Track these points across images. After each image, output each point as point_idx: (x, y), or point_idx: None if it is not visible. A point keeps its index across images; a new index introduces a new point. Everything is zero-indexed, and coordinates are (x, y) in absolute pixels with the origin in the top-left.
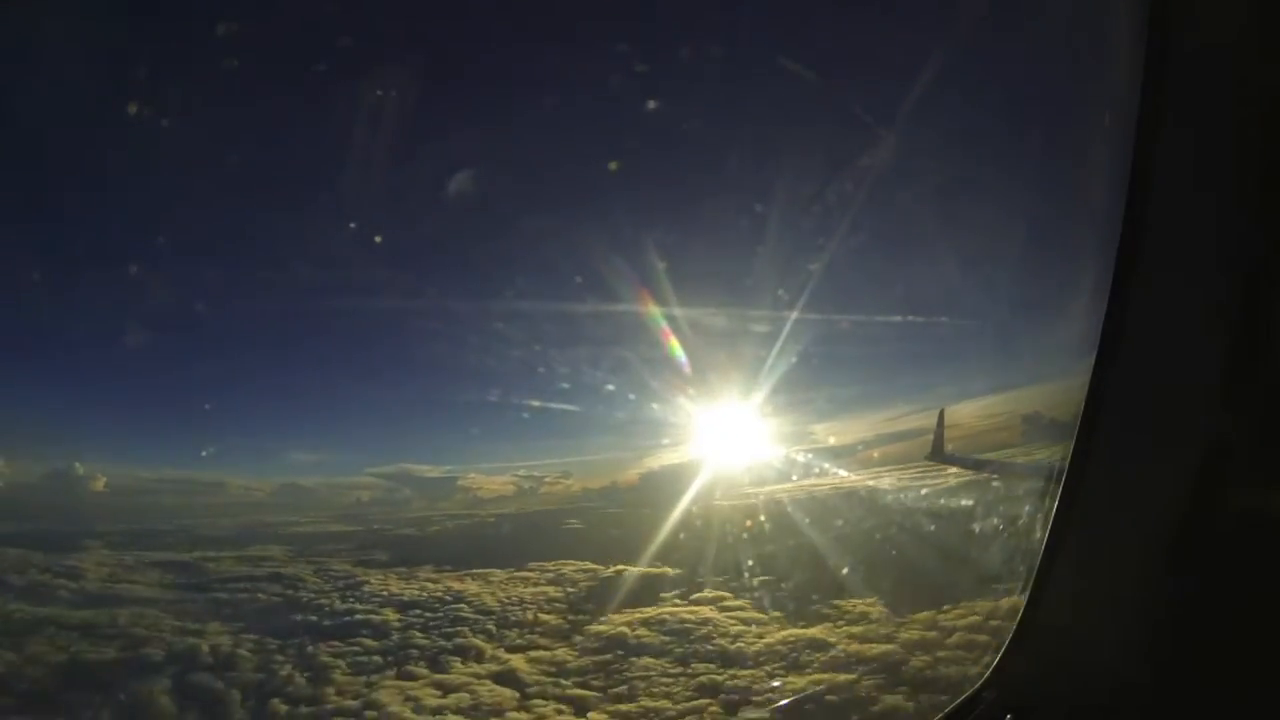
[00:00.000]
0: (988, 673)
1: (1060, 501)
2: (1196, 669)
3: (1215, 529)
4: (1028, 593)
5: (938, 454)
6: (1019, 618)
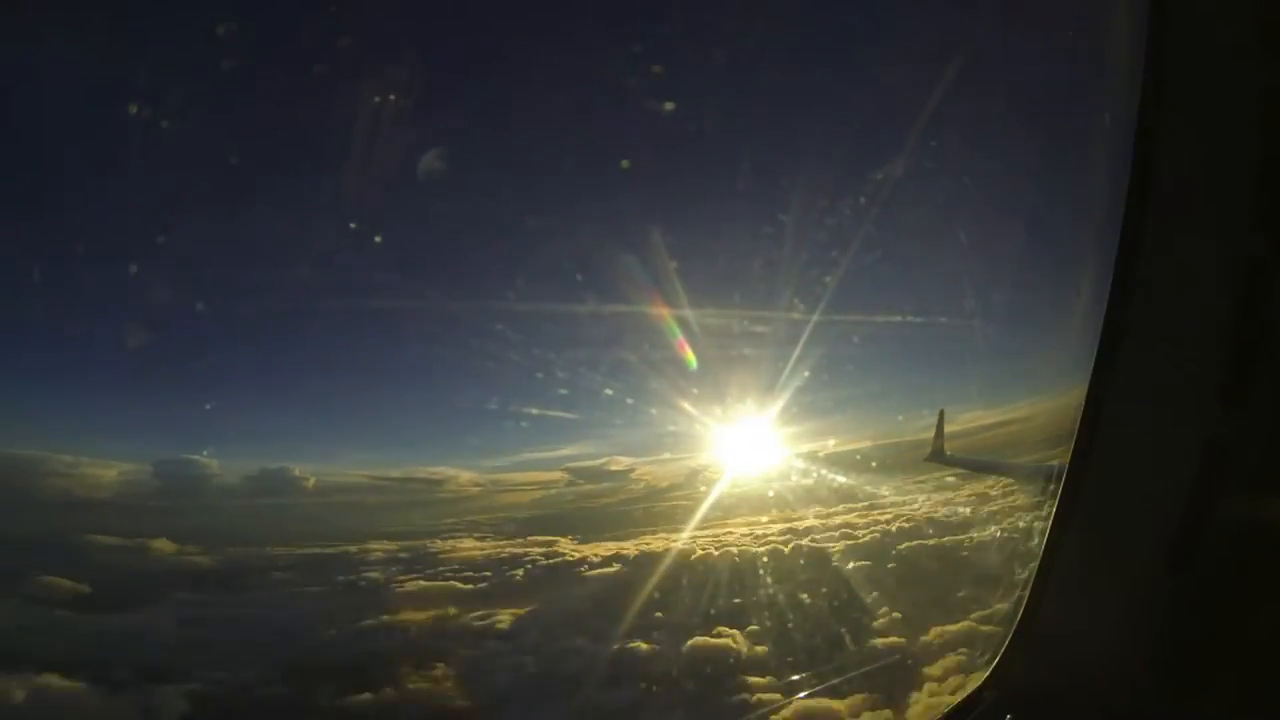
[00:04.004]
0: (988, 673)
1: (1060, 502)
2: (1196, 670)
3: (1215, 529)
4: (1028, 593)
5: (937, 455)
6: (1019, 618)
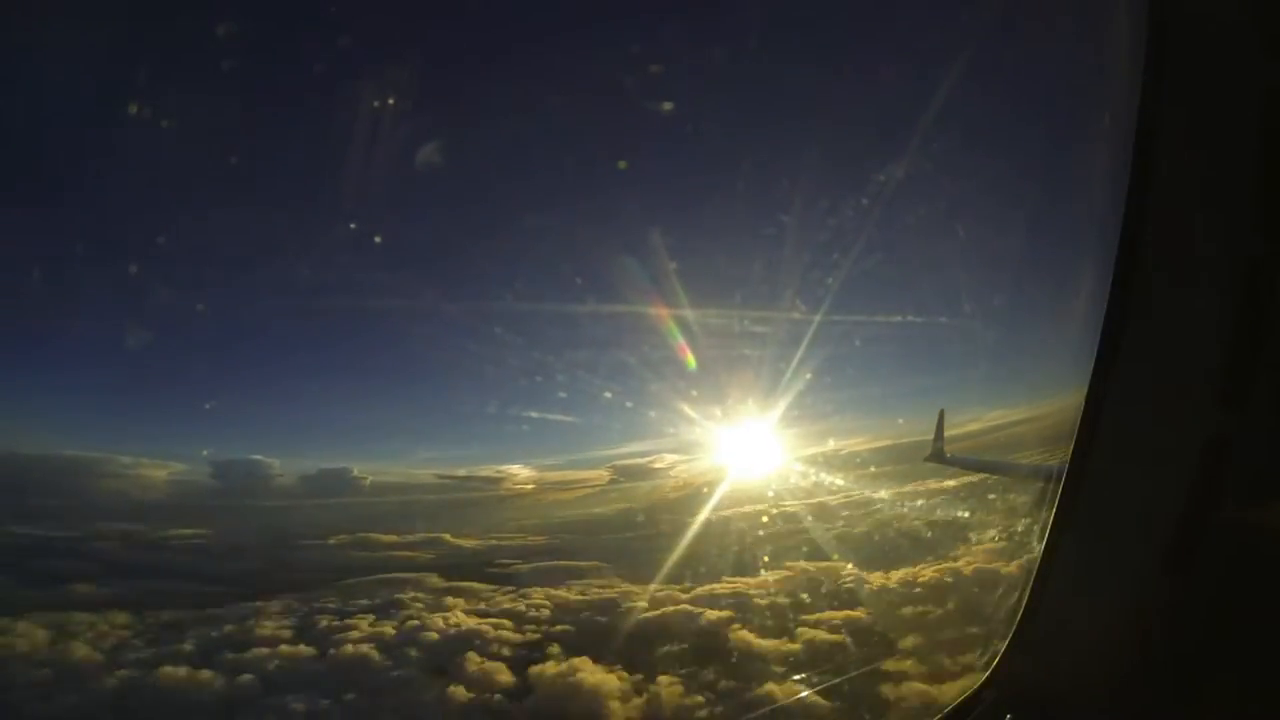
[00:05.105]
0: (988, 673)
1: (1060, 502)
2: (1195, 670)
3: (1214, 530)
4: (1027, 593)
5: (937, 455)
6: (1018, 618)
